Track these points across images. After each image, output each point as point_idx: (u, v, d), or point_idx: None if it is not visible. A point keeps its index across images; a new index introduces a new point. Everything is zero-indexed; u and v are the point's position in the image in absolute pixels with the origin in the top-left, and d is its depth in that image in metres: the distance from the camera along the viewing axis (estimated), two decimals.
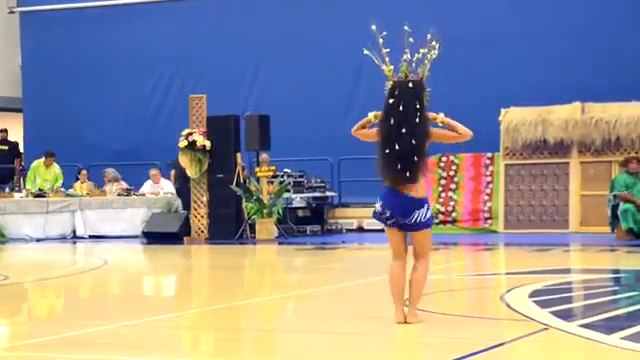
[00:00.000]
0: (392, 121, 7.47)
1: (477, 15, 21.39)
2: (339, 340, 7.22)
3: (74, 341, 7.36)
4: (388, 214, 7.53)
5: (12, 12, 26.15)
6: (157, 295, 11.60)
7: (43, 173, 21.41)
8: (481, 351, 6.49)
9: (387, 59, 7.58)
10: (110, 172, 21.54)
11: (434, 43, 7.54)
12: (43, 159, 21.51)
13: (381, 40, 7.55)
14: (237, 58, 23.47)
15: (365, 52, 7.63)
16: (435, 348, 6.93)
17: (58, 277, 13.00)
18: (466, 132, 7.63)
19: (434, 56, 7.55)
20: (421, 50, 7.53)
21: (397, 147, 7.41)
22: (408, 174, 7.42)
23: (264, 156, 19.80)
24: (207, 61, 23.63)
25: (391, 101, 7.52)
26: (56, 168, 21.60)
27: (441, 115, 7.64)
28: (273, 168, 19.15)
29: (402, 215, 7.48)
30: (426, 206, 7.52)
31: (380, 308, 8.30)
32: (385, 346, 6.99)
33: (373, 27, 7.56)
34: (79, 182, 21.83)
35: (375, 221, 7.83)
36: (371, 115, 7.78)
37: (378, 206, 7.59)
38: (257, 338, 7.77)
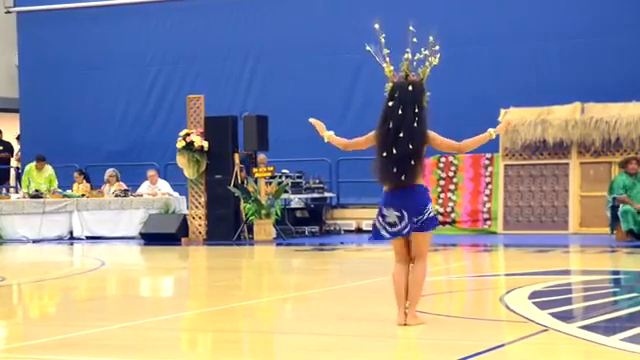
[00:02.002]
0: (390, 124, 7.43)
1: (476, 15, 21.35)
2: (339, 342, 7.19)
3: (71, 342, 7.33)
4: (394, 222, 7.47)
5: (9, 12, 26.11)
6: (155, 296, 11.56)
7: (36, 177, 21.40)
8: (481, 353, 6.47)
9: (388, 59, 7.53)
10: (111, 172, 21.47)
11: (436, 48, 7.49)
12: (34, 163, 21.51)
13: (383, 40, 7.50)
14: (235, 58, 23.44)
15: (367, 48, 7.59)
16: (435, 350, 6.90)
17: (55, 278, 12.96)
18: (468, 149, 7.66)
19: (435, 62, 7.51)
20: (423, 50, 7.48)
21: (394, 151, 7.38)
22: (404, 177, 7.39)
23: (262, 156, 19.74)
24: (205, 61, 23.59)
25: (390, 104, 7.47)
26: (49, 170, 21.57)
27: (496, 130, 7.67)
28: (271, 169, 19.10)
29: (415, 211, 7.41)
30: (429, 206, 7.48)
31: (379, 310, 8.27)
32: (385, 348, 6.95)
33: (376, 26, 7.51)
34: (76, 183, 21.79)
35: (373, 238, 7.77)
36: (326, 135, 7.82)
37: (377, 222, 7.53)
38: (255, 340, 7.73)
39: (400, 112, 7.41)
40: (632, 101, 18.79)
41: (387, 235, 7.54)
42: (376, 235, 7.62)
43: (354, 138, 7.85)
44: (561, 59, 20.66)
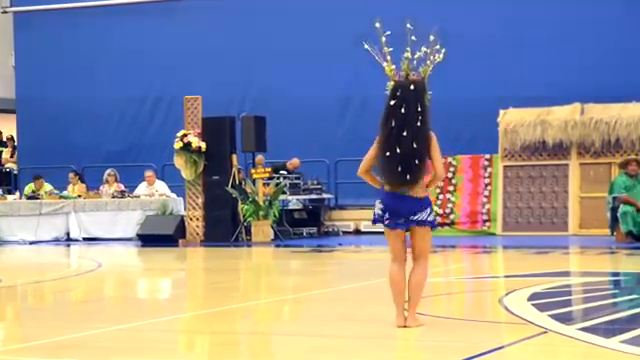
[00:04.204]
0: (393, 123, 7.37)
1: (476, 15, 21.31)
2: (338, 343, 7.16)
3: (69, 344, 7.30)
4: (389, 216, 7.43)
5: (5, 12, 26.07)
6: (152, 298, 11.53)
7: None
8: (480, 354, 6.45)
9: (389, 58, 7.48)
10: (110, 172, 21.45)
11: (438, 46, 7.44)
12: (32, 185, 21.52)
13: (384, 39, 7.46)
14: (233, 59, 23.39)
15: (365, 47, 7.53)
16: (434, 352, 6.88)
17: (52, 280, 12.91)
18: (438, 180, 7.74)
19: (438, 60, 7.46)
20: (423, 48, 7.44)
21: (398, 150, 7.33)
22: (408, 177, 7.35)
23: (260, 157, 19.70)
24: (203, 62, 23.54)
25: (392, 103, 7.42)
26: (47, 188, 21.54)
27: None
28: (269, 170, 19.07)
29: (406, 214, 7.37)
30: (429, 209, 7.44)
31: (378, 311, 8.24)
32: (384, 349, 6.92)
33: (377, 25, 7.47)
34: (71, 185, 21.76)
35: (372, 223, 7.73)
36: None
37: (378, 209, 7.48)
38: (254, 341, 7.69)
39: (403, 111, 7.36)
40: (632, 102, 18.78)
41: (387, 222, 7.45)
42: (376, 219, 7.53)
43: (363, 159, 7.64)
44: (561, 59, 20.63)
